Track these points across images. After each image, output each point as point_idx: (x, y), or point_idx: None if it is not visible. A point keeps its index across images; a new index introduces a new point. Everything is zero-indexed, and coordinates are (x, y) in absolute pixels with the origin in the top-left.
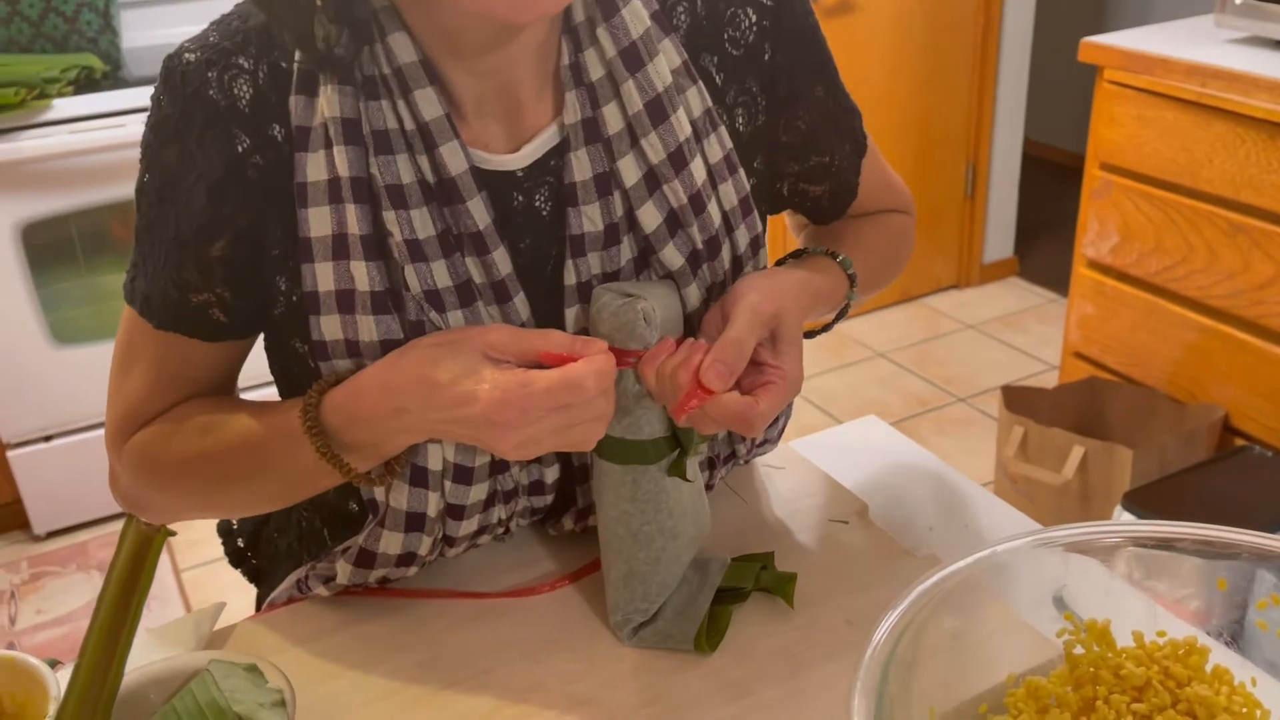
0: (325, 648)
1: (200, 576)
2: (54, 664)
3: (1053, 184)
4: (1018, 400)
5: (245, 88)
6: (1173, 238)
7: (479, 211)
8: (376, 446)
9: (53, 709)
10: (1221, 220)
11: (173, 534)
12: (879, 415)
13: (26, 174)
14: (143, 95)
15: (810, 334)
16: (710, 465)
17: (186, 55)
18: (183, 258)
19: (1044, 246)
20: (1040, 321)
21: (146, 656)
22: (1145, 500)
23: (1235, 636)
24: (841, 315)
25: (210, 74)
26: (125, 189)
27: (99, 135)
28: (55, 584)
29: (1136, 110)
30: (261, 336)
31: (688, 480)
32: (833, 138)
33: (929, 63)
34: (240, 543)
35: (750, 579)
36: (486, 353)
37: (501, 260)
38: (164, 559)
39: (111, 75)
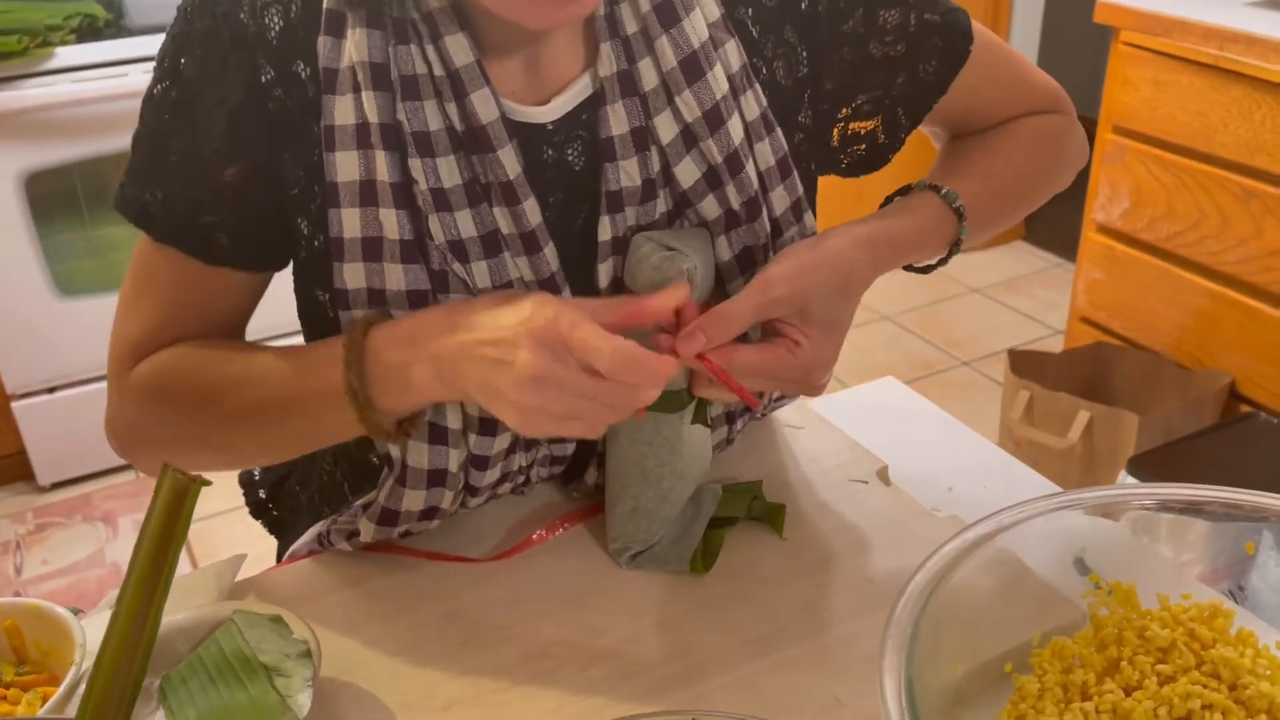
0: (347, 600)
1: (205, 530)
2: (77, 612)
3: None
4: (1024, 364)
5: (276, 18)
6: (1184, 203)
7: (509, 160)
8: (407, 392)
9: (78, 656)
10: (1235, 186)
11: (208, 483)
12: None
13: (29, 123)
14: (145, 44)
15: (925, 269)
16: (728, 420)
17: None
18: (196, 175)
19: (1050, 211)
20: (1045, 286)
21: (169, 607)
22: (1150, 466)
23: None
24: (955, 250)
25: None
26: (129, 140)
27: (102, 85)
28: (60, 535)
29: (1152, 73)
30: (291, 280)
31: (708, 425)
32: (893, 67)
33: None
34: (262, 494)
35: (742, 509)
36: (546, 303)
37: (531, 210)
38: None
39: (114, 23)
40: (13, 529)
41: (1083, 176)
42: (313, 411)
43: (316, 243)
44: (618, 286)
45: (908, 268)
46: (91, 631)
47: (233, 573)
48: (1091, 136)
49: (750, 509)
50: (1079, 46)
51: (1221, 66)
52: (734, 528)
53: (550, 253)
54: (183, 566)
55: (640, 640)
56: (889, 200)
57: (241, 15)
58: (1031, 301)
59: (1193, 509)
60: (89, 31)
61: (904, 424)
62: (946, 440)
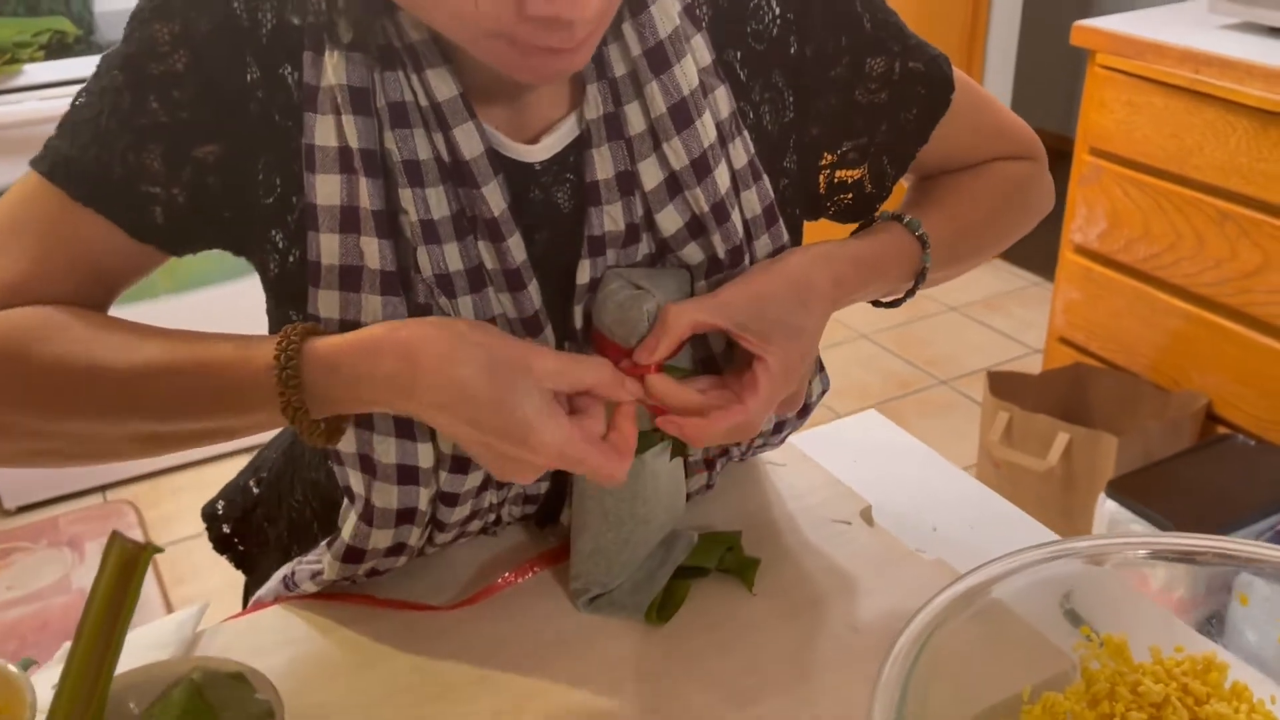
0: (315, 651)
1: (175, 554)
2: (29, 664)
3: None
4: (1003, 385)
5: (270, 15)
6: (1160, 225)
7: (494, 197)
8: (342, 405)
9: (29, 716)
10: (1210, 208)
11: (159, 550)
12: (861, 397)
13: None
14: None
15: (893, 303)
16: (708, 465)
17: None
18: (151, 143)
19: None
20: (1023, 305)
21: (126, 661)
22: (1129, 488)
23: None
24: (920, 279)
25: None
26: None
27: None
28: (26, 560)
29: (1127, 96)
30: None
31: (684, 466)
32: (877, 114)
33: None
34: (226, 528)
35: (714, 560)
36: (541, 383)
37: (516, 247)
38: (136, 536)
39: (84, 39)
40: None
41: (1060, 198)
42: (220, 413)
43: (291, 258)
44: (591, 326)
45: (876, 303)
46: (43, 689)
47: (194, 623)
48: (1068, 158)
49: (723, 560)
50: (1056, 69)
51: (1196, 89)
52: (746, 584)
53: (534, 290)
54: (149, 594)
55: (617, 692)
56: (854, 234)
57: (235, 5)
58: (1010, 320)
59: (1185, 558)
60: (58, 48)
61: (887, 459)
62: (929, 476)
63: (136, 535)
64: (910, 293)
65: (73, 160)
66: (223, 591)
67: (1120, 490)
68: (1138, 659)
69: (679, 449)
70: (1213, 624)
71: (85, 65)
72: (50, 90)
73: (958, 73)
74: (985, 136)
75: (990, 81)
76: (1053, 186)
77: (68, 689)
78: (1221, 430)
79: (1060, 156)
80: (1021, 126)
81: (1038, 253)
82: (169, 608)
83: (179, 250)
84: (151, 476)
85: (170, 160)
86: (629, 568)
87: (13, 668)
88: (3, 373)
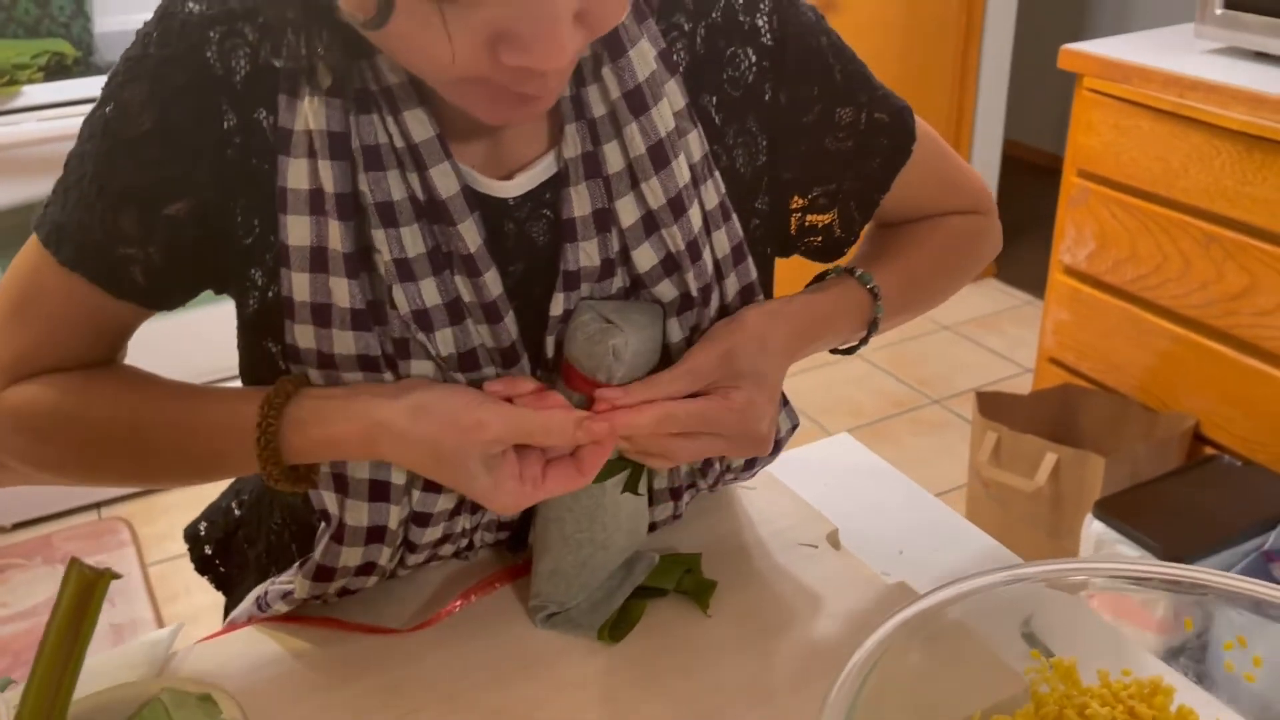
0: (284, 672)
1: (167, 571)
2: (7, 684)
3: (1032, 185)
4: (992, 406)
5: (244, 61)
6: (1148, 246)
7: (470, 234)
8: (321, 460)
9: None
10: (1196, 230)
11: (118, 576)
12: (852, 415)
13: None
14: None
15: (846, 351)
16: (673, 495)
17: (191, 4)
18: (124, 206)
19: (1021, 248)
20: (1016, 324)
21: (99, 681)
22: (1116, 508)
23: (1198, 662)
24: (872, 329)
25: (212, 34)
26: None
27: (69, 123)
28: (20, 577)
29: (1114, 119)
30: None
31: (638, 495)
32: (844, 162)
33: (910, 63)
34: (208, 549)
35: (672, 581)
36: (488, 452)
37: (493, 281)
38: (130, 553)
39: (83, 61)
40: None
41: (1049, 219)
42: (215, 467)
43: (270, 294)
44: (561, 355)
45: (832, 350)
46: None
47: (168, 644)
48: (1059, 175)
49: (681, 582)
50: (1048, 89)
51: (1181, 113)
52: (702, 606)
53: (511, 321)
54: (142, 609)
55: (581, 713)
56: (808, 286)
57: (208, 53)
58: (1002, 339)
59: (1137, 582)
60: (57, 70)
61: (858, 482)
62: (900, 500)
63: (130, 553)
64: (863, 341)
65: (63, 226)
66: (212, 610)
67: (1107, 510)
68: (1087, 682)
69: (634, 481)
70: (1191, 645)
71: (84, 87)
72: (49, 111)
73: (920, 124)
74: (941, 189)
75: (983, 101)
76: (1000, 235)
77: (25, 714)
78: (1209, 451)
79: (1052, 175)
80: (975, 180)
81: (1030, 272)
82: (160, 624)
83: (162, 305)
84: (146, 495)
85: (144, 221)
86: (587, 588)
87: None
88: (36, 444)
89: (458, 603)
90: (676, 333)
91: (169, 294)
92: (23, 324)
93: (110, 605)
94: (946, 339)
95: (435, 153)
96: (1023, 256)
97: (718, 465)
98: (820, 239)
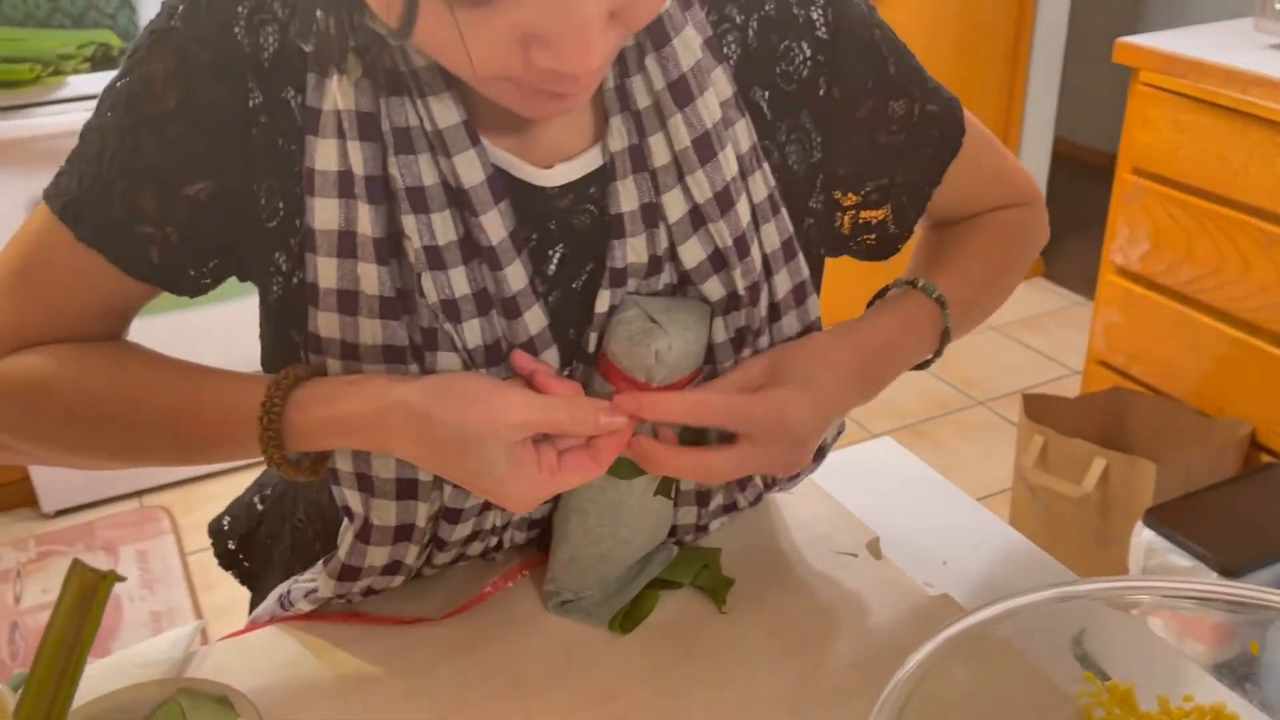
0: (305, 674)
1: (208, 560)
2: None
3: (1082, 184)
4: (1039, 408)
5: (273, 39)
6: (1205, 247)
7: (494, 226)
8: (325, 447)
9: None
10: (1256, 231)
11: (122, 579)
12: (896, 416)
13: (39, 151)
14: None
15: (923, 364)
16: (699, 500)
17: None
18: (144, 184)
19: (1071, 248)
20: (1063, 325)
21: (117, 680)
22: (1167, 517)
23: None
24: (944, 340)
25: (240, 9)
26: None
27: None
28: (61, 564)
29: (1172, 114)
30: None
31: (669, 499)
32: (896, 155)
33: (959, 56)
34: (231, 544)
35: (688, 576)
36: (512, 439)
37: (514, 275)
38: (170, 541)
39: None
40: (14, 556)
41: (1102, 217)
42: (210, 448)
43: (294, 280)
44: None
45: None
46: None
47: (186, 643)
48: (1110, 173)
49: (698, 577)
50: (1100, 85)
51: (1242, 110)
52: (718, 603)
53: (531, 317)
54: (180, 599)
55: None
56: (870, 304)
57: (236, 30)
58: (1049, 340)
59: (1199, 602)
60: (103, 60)
61: (900, 488)
62: (944, 507)
63: (169, 541)
64: (937, 354)
65: (79, 201)
66: (247, 601)
67: (1158, 519)
68: (1145, 707)
69: (667, 484)
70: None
71: None
72: (92, 101)
73: (968, 116)
74: (990, 180)
75: (1034, 96)
76: (1047, 225)
77: (23, 714)
78: (1266, 459)
79: (1104, 174)
80: (1022, 171)
81: (1079, 271)
82: (198, 612)
83: (176, 287)
84: (186, 484)
85: (163, 200)
86: (603, 580)
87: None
88: (28, 416)
89: (489, 590)
90: (721, 333)
91: (183, 275)
92: (25, 294)
93: (150, 593)
94: (991, 339)
95: (460, 139)
96: (1071, 256)
97: (759, 480)
98: (874, 236)
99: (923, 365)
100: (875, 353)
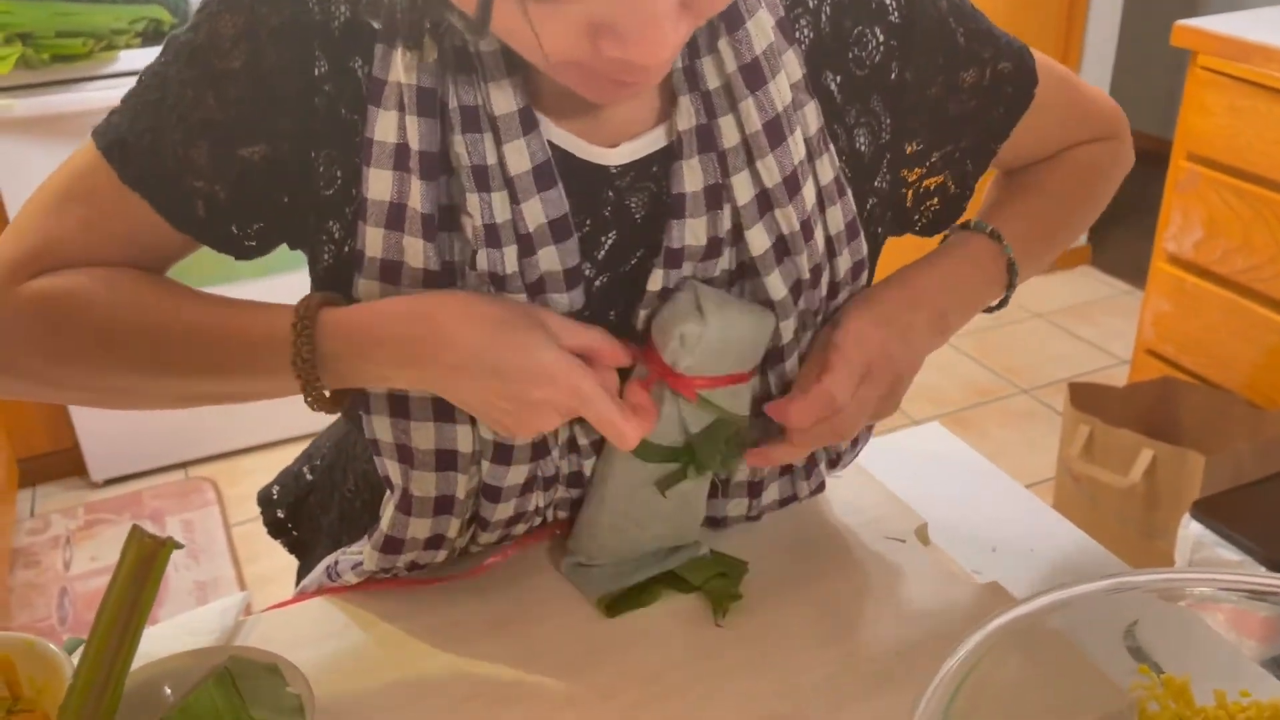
0: (352, 645)
1: (252, 531)
2: (77, 644)
3: (1133, 170)
4: (1085, 397)
5: (344, 8)
6: (1262, 235)
7: (532, 212)
8: (352, 376)
9: None
10: None
11: (179, 546)
12: (938, 403)
13: (91, 125)
14: None
15: (996, 306)
16: (750, 491)
17: None
18: (199, 138)
19: (1119, 235)
20: (1110, 314)
21: (168, 646)
22: (1216, 510)
23: None
24: (1013, 273)
25: None
26: None
27: None
28: (110, 532)
29: (1230, 99)
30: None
31: (664, 497)
32: (966, 120)
33: None
34: (280, 513)
35: (701, 579)
36: (555, 335)
37: (546, 259)
38: (214, 512)
39: (179, 27)
40: (64, 524)
41: (1154, 204)
42: (244, 376)
43: (345, 249)
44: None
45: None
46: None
47: (236, 612)
48: (1162, 159)
49: (709, 583)
50: (1155, 68)
51: None
52: (763, 583)
53: (562, 299)
54: (225, 570)
55: (647, 706)
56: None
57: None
58: (1096, 329)
59: (1256, 596)
60: (154, 35)
61: (948, 474)
62: (993, 494)
63: (214, 512)
64: (1010, 286)
65: (129, 143)
66: (290, 572)
67: (1207, 512)
68: (1201, 702)
69: (671, 480)
70: None
71: None
72: None
73: (1041, 60)
74: (1069, 121)
75: (1086, 80)
76: (1131, 154)
77: (81, 682)
78: None
79: (1157, 160)
80: (1105, 102)
81: (1128, 259)
82: (241, 583)
83: (217, 243)
84: (231, 456)
85: (216, 156)
86: (617, 555)
87: (54, 648)
88: (55, 334)
89: (512, 549)
90: (790, 330)
91: (227, 233)
92: (65, 214)
93: (195, 563)
94: (1037, 327)
95: (512, 128)
96: (1119, 244)
97: (822, 466)
98: (937, 201)
99: (999, 305)
100: (929, 294)
